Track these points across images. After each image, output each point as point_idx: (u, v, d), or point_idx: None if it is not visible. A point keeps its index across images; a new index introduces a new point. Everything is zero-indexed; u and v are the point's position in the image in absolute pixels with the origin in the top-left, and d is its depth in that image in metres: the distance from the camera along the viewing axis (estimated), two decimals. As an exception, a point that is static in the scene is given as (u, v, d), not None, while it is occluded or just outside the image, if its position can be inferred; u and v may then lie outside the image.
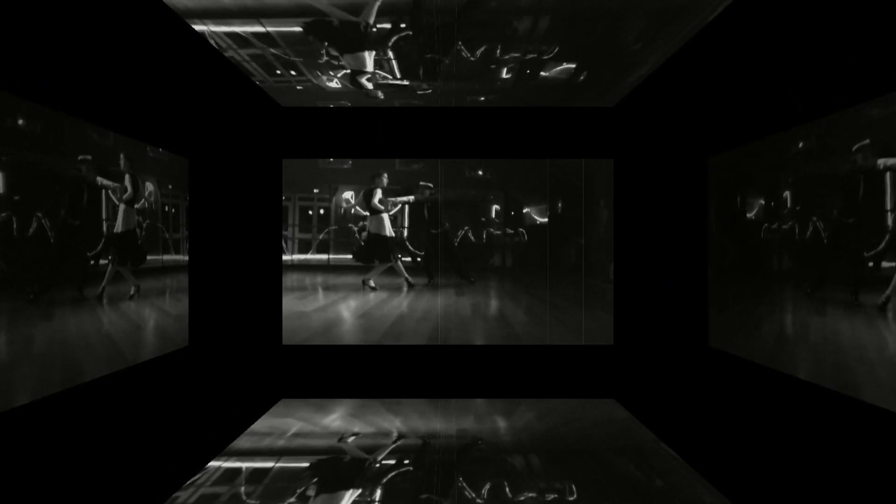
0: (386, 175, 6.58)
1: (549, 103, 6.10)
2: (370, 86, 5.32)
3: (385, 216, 6.60)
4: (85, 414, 3.94)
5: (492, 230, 6.58)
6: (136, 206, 4.36)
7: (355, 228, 6.64)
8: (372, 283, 6.61)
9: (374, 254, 6.62)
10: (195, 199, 5.44)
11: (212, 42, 4.18)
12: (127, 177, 4.13)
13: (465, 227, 6.58)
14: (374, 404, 5.82)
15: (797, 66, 3.97)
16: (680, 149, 5.72)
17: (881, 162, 3.36)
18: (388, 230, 6.60)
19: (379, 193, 6.57)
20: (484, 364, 6.35)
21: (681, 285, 5.69)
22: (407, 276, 6.59)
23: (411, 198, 6.57)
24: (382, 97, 5.78)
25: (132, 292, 4.33)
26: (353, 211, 6.61)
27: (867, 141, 3.40)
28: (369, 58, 4.50)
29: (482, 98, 5.71)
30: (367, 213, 6.62)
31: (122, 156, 4.17)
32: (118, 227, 4.10)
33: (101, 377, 4.06)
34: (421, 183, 6.55)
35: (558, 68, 4.69)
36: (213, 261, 5.90)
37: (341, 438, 4.77)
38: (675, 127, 5.79)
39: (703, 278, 5.33)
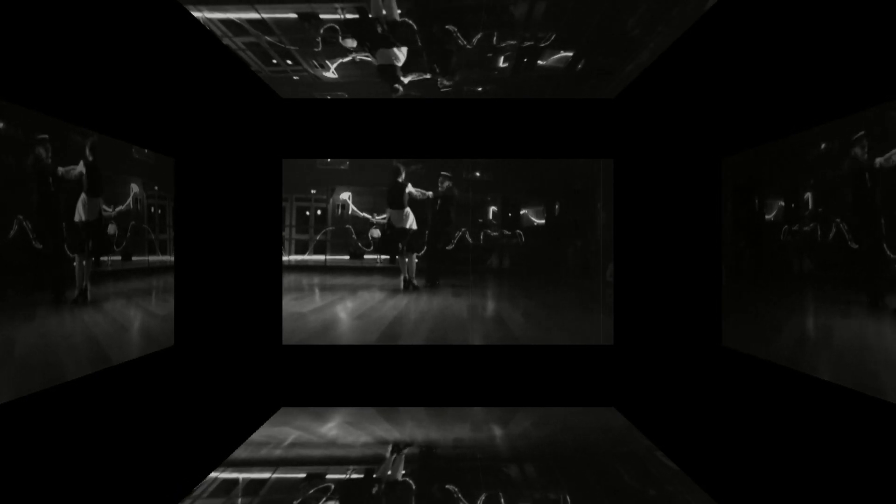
0: (403, 169, 6.55)
1: (546, 95, 5.94)
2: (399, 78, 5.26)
3: (410, 210, 6.56)
4: (67, 416, 3.63)
5: (489, 231, 6.55)
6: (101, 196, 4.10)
7: (375, 221, 6.57)
8: (415, 282, 6.55)
9: (395, 247, 6.55)
10: (182, 196, 5.27)
11: (207, 29, 4.18)
12: (81, 163, 3.80)
13: (463, 229, 6.55)
14: (387, 408, 5.75)
15: (837, 49, 3.30)
16: (689, 148, 5.30)
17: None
18: (413, 224, 6.55)
19: (410, 187, 6.54)
20: (481, 365, 6.23)
21: (691, 285, 5.31)
22: (412, 275, 6.53)
23: (430, 193, 6.53)
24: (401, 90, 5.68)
25: (75, 295, 3.89)
26: (350, 212, 6.58)
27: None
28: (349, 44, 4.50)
29: (479, 89, 5.69)
30: (390, 208, 6.57)
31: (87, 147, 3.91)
32: (78, 216, 3.87)
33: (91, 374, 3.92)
34: (442, 173, 6.51)
35: (556, 57, 4.68)
36: (207, 259, 5.69)
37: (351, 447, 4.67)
38: (683, 123, 5.36)
39: (716, 278, 4.93)
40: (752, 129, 4.27)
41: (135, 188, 4.51)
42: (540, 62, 4.77)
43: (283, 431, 5.06)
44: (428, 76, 5.25)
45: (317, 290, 6.56)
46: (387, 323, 6.40)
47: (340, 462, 4.30)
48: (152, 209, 4.79)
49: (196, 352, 5.52)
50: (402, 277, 6.56)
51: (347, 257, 6.60)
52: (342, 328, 6.43)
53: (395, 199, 6.52)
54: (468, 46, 4.32)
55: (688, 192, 5.35)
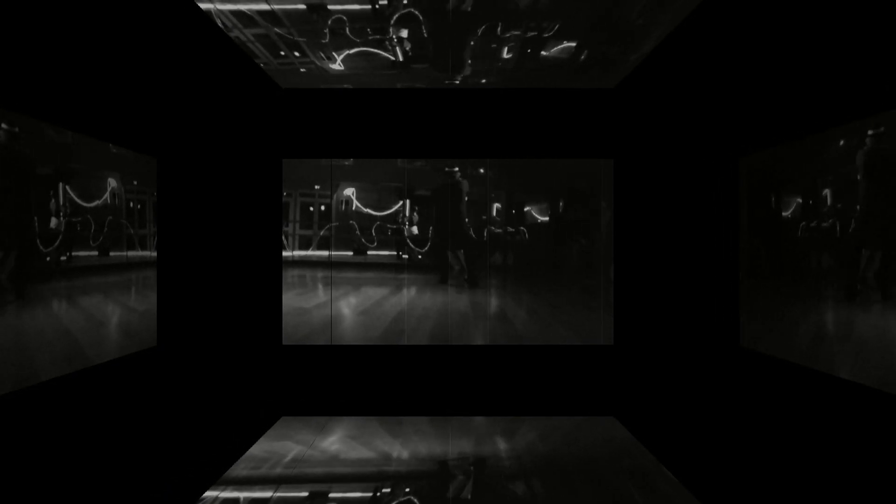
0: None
1: (549, 85, 5.85)
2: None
3: None
4: (33, 426, 3.30)
5: (493, 228, 6.57)
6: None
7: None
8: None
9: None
10: (166, 193, 5.10)
11: (218, 22, 4.21)
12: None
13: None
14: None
15: (869, 30, 2.95)
16: (702, 147, 4.98)
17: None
18: None
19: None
20: (478, 369, 6.19)
21: (704, 282, 5.01)
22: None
23: None
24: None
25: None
26: (354, 208, 6.60)
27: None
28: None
29: (483, 80, 5.71)
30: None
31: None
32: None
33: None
34: (445, 169, 6.51)
35: (559, 47, 4.68)
36: (195, 256, 5.54)
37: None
38: (694, 121, 5.10)
39: (733, 275, 4.59)
40: (777, 126, 3.79)
41: (112, 182, 4.44)
42: (543, 52, 4.78)
43: (285, 446, 4.74)
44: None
45: (320, 286, 6.57)
46: (390, 319, 6.42)
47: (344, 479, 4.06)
48: (131, 204, 4.69)
49: (184, 352, 5.18)
50: (452, 274, 6.56)
51: (351, 253, 6.62)
52: (346, 323, 6.44)
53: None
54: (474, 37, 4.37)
55: (702, 190, 5.10)
